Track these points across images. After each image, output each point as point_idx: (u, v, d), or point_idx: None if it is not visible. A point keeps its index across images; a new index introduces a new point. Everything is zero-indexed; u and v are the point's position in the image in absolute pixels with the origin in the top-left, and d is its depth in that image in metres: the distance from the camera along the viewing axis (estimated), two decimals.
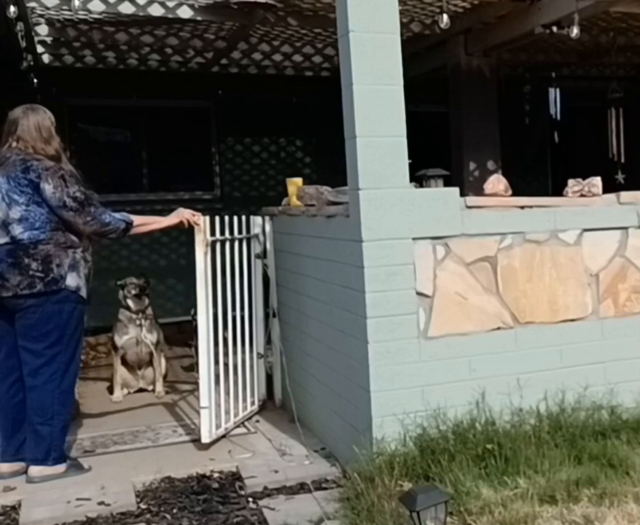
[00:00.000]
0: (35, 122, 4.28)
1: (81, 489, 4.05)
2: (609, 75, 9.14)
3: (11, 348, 4.27)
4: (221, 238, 4.88)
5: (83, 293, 4.32)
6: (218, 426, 4.77)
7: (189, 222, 4.62)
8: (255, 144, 9.35)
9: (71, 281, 4.24)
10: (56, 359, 4.20)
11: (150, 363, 6.06)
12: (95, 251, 8.28)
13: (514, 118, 9.73)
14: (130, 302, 6.01)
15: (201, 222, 4.62)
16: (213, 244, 4.75)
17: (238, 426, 5.03)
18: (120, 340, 5.96)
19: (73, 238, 4.27)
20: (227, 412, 4.95)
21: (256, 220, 5.44)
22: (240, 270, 5.14)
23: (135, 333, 5.96)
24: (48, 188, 4.15)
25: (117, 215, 4.43)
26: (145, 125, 8.94)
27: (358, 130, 3.80)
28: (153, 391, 6.05)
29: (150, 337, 6.00)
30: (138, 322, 5.97)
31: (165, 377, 6.23)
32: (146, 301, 6.05)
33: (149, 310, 6.07)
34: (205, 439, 4.62)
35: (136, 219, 4.49)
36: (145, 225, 4.60)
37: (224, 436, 4.81)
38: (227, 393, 5.04)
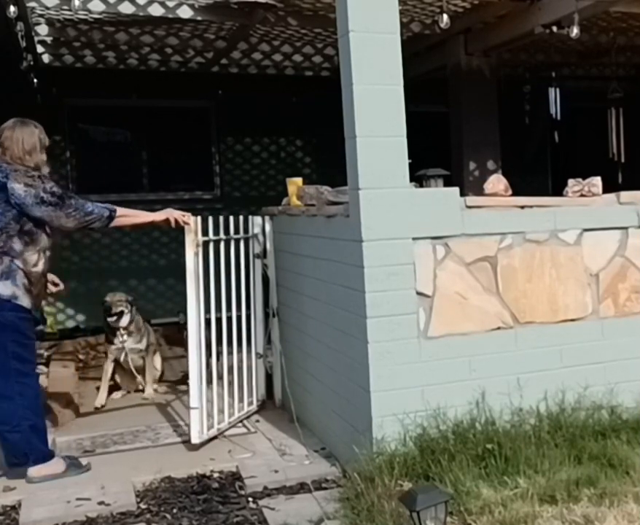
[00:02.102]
0: (20, 133, 4.20)
1: (81, 489, 4.05)
2: (609, 75, 9.14)
3: None
4: (215, 238, 4.88)
5: (22, 302, 4.16)
6: (210, 427, 4.77)
7: (177, 222, 4.58)
8: (255, 144, 9.36)
9: (4, 289, 4.10)
10: (6, 367, 4.12)
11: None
12: (95, 251, 8.40)
13: (514, 118, 9.74)
14: (108, 320, 5.91)
15: (192, 222, 4.60)
16: (206, 244, 4.74)
17: (234, 426, 5.03)
18: (109, 346, 5.94)
19: (15, 246, 4.13)
20: (221, 412, 4.95)
21: (256, 220, 5.45)
22: (237, 270, 5.14)
23: (121, 343, 5.88)
24: (18, 186, 4.07)
25: (100, 204, 4.36)
26: (145, 125, 8.95)
27: (359, 130, 3.80)
28: (142, 391, 6.02)
29: (138, 346, 5.94)
30: (121, 336, 5.87)
31: (160, 378, 6.21)
32: (126, 320, 5.89)
33: (133, 327, 5.93)
34: (195, 439, 4.62)
35: (120, 210, 4.41)
36: (129, 217, 4.53)
37: (216, 437, 4.81)
38: (222, 393, 5.03)
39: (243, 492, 4.01)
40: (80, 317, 8.33)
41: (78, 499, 3.94)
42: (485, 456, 3.69)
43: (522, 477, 3.53)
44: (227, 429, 4.94)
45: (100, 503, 3.88)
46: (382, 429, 3.81)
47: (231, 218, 5.06)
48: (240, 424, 5.12)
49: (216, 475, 4.25)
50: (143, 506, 3.88)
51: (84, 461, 4.48)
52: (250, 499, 3.93)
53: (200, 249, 4.64)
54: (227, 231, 4.99)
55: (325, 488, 3.98)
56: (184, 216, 4.61)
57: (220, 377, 5.20)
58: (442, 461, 3.62)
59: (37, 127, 4.31)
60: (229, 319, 5.10)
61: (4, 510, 3.90)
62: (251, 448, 4.64)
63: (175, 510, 3.82)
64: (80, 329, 8.18)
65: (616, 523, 3.20)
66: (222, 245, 4.96)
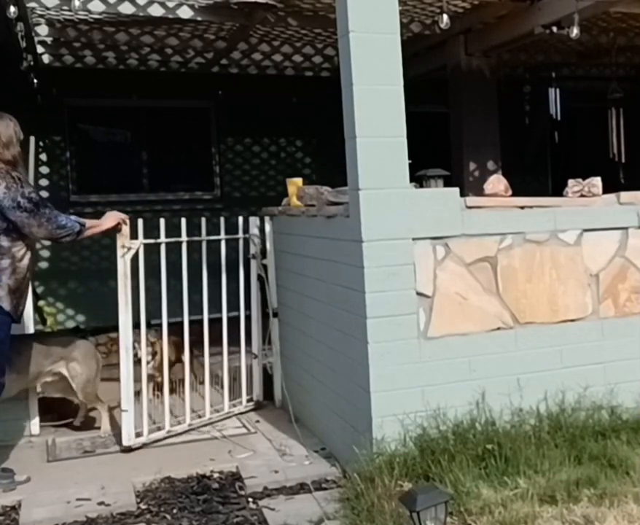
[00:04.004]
0: None
1: (81, 489, 4.05)
2: (609, 75, 9.14)
3: None
4: (166, 240, 4.85)
5: (3, 303, 4.09)
6: (153, 431, 4.80)
7: (124, 221, 4.58)
8: (255, 144, 9.36)
9: None
10: None
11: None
12: (95, 251, 8.39)
13: (514, 118, 9.74)
14: None
15: (125, 226, 4.60)
16: (156, 247, 4.79)
17: (197, 428, 5.03)
18: None
19: (3, 243, 4.09)
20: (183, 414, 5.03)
21: (252, 221, 5.48)
22: (211, 271, 5.18)
23: None
24: None
25: (73, 218, 4.35)
26: (145, 125, 8.95)
27: (358, 130, 3.80)
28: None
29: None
30: None
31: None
32: None
33: None
34: (125, 441, 4.66)
35: (87, 222, 4.40)
36: (93, 228, 4.48)
37: (164, 439, 4.83)
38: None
39: (243, 492, 4.01)
40: (80, 317, 8.33)
41: (78, 499, 3.94)
42: (485, 456, 3.69)
43: (522, 478, 3.53)
44: (184, 432, 4.95)
45: (100, 503, 3.88)
46: (382, 430, 3.81)
47: (202, 220, 5.10)
48: (239, 424, 5.13)
49: (216, 475, 4.25)
50: (143, 506, 3.88)
51: (83, 461, 4.50)
52: (250, 499, 3.93)
53: (132, 252, 4.62)
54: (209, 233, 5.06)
55: (325, 489, 3.98)
56: (123, 216, 4.61)
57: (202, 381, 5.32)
58: (442, 461, 3.62)
59: (12, 120, 4.24)
60: (208, 321, 5.14)
61: (4, 511, 3.90)
62: (251, 448, 4.64)
63: (175, 511, 3.82)
64: (80, 329, 8.18)
65: (616, 523, 3.20)
66: (204, 245, 5.06)
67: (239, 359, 5.38)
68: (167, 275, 4.89)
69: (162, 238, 4.86)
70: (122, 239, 4.61)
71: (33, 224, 4.12)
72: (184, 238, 4.98)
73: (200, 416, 5.13)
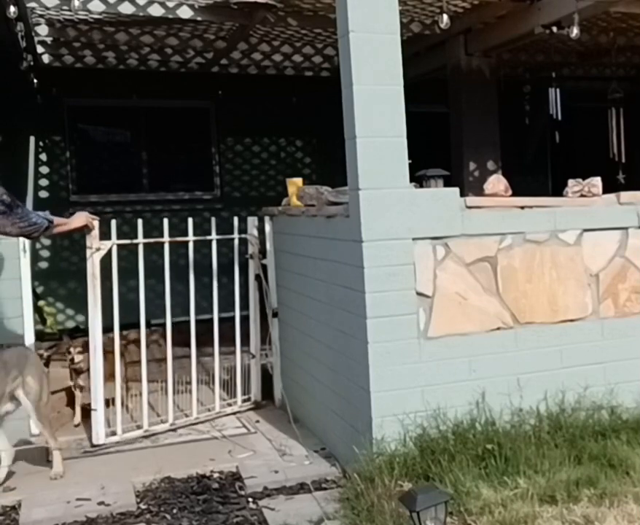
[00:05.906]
0: None
1: (81, 489, 4.05)
2: (609, 75, 9.15)
3: None
4: (144, 241, 4.89)
5: None
6: (127, 430, 4.82)
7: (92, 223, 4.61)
8: (255, 144, 9.37)
9: None
10: None
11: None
12: None
13: (514, 118, 9.74)
14: None
15: (96, 226, 4.63)
16: (135, 247, 4.85)
17: (190, 425, 5.06)
18: None
19: None
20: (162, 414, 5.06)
21: (252, 221, 5.48)
22: (209, 272, 5.21)
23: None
24: None
25: (41, 213, 4.41)
26: (145, 125, 8.96)
27: (358, 130, 3.80)
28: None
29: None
30: None
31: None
32: None
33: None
34: (95, 440, 4.69)
35: (55, 220, 4.45)
36: (61, 226, 4.54)
37: (144, 437, 4.85)
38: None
39: (243, 492, 4.01)
40: (80, 317, 8.32)
41: (78, 499, 3.94)
42: (485, 456, 3.69)
43: (522, 478, 3.53)
44: (164, 432, 4.95)
45: (100, 503, 3.89)
46: (382, 430, 3.81)
47: (213, 219, 5.11)
48: (239, 424, 5.13)
49: (216, 475, 4.25)
50: (143, 506, 3.89)
51: (83, 461, 4.50)
52: (250, 499, 3.93)
53: (101, 253, 4.63)
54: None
55: (325, 489, 3.99)
56: (93, 219, 4.64)
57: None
58: (442, 461, 3.62)
59: None
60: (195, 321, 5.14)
61: (4, 510, 3.90)
62: (251, 448, 4.64)
63: (175, 511, 3.82)
64: (80, 329, 8.18)
65: (616, 523, 3.20)
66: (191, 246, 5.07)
67: (223, 360, 5.39)
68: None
69: (140, 239, 4.88)
70: (91, 240, 4.62)
71: (7, 224, 4.20)
72: (166, 238, 5.00)
73: (186, 415, 5.14)
